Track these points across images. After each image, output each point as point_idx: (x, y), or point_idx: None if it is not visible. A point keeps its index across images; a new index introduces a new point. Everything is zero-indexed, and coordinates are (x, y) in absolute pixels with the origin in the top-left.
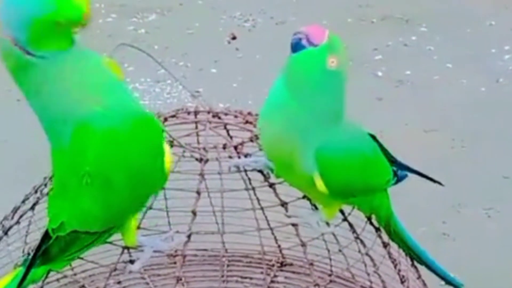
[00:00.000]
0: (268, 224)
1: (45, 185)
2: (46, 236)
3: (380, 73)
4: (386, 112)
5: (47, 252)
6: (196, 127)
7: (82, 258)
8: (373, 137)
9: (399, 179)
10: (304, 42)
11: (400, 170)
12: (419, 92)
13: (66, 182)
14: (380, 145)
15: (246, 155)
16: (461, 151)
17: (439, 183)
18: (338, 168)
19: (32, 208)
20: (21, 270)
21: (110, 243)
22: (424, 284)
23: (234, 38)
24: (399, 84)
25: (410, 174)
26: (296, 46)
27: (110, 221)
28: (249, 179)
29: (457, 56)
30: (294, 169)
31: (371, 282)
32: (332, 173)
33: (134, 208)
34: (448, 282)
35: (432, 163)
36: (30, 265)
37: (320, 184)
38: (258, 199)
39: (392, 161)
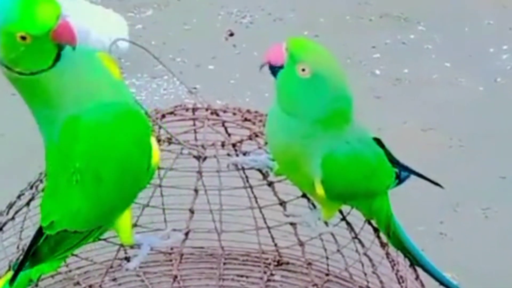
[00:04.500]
0: (266, 223)
1: (41, 180)
2: (38, 235)
3: (378, 72)
4: (384, 110)
5: (37, 252)
6: (194, 124)
7: (76, 255)
8: (378, 140)
9: (401, 181)
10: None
11: (402, 171)
12: (417, 91)
13: (57, 181)
14: (384, 149)
15: (244, 153)
16: (459, 151)
17: (439, 185)
18: (341, 176)
19: (27, 204)
20: (11, 274)
21: (105, 240)
22: (422, 285)
23: (231, 34)
24: (397, 82)
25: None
26: (272, 72)
27: (99, 219)
28: (247, 177)
29: (455, 55)
30: (298, 170)
31: (368, 282)
32: (334, 180)
33: (122, 205)
34: (444, 284)
35: (429, 163)
36: (20, 267)
37: (319, 189)
38: (256, 198)
39: (394, 162)
